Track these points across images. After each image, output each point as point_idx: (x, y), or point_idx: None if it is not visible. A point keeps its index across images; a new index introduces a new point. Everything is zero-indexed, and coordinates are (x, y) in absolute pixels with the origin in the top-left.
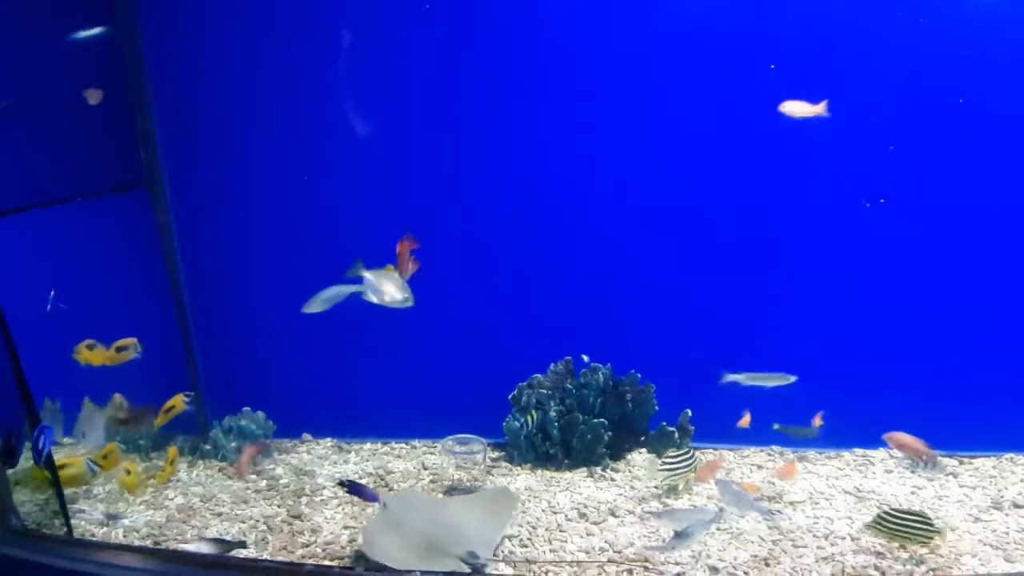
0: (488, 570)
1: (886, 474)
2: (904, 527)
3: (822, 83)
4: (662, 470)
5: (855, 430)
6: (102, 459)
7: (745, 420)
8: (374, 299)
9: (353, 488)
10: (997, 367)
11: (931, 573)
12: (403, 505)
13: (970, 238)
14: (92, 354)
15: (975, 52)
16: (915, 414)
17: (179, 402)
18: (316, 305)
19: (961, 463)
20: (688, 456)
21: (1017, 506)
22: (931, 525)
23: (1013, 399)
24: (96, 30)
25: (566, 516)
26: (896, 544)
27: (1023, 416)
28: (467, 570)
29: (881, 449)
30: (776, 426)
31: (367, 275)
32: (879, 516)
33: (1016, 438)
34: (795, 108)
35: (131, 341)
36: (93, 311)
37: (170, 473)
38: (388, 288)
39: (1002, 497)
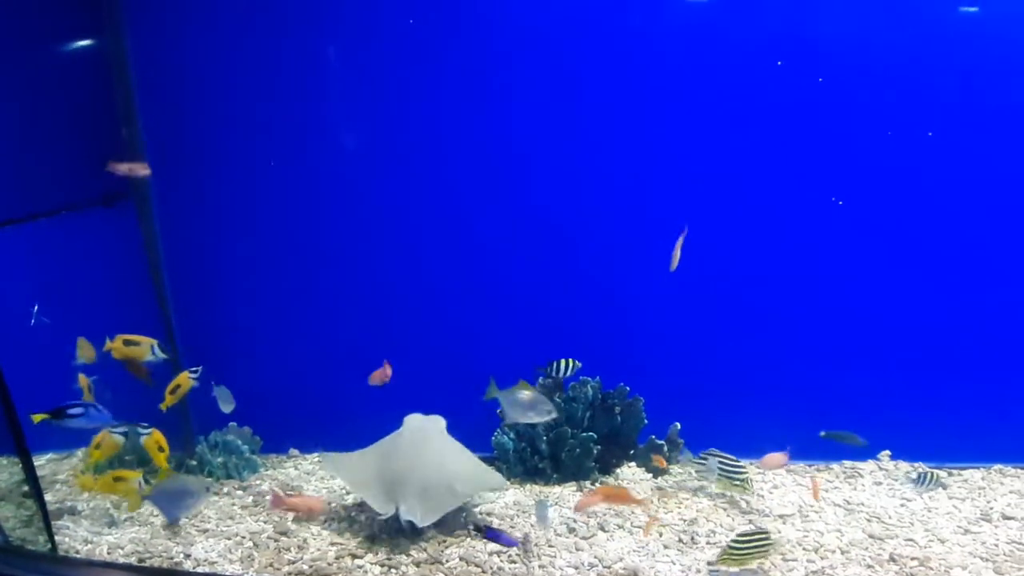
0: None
1: (875, 486)
2: (751, 548)
3: (817, 83)
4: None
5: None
6: (95, 448)
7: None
8: (521, 420)
9: (491, 534)
10: (985, 379)
11: None
12: (413, 430)
13: (961, 247)
14: (119, 347)
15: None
16: (903, 426)
17: (185, 380)
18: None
19: (950, 475)
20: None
21: (1006, 518)
22: (768, 538)
23: (1001, 411)
24: (82, 42)
25: (555, 531)
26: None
27: (1011, 427)
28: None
29: (870, 461)
30: (822, 433)
31: (502, 396)
32: (728, 548)
33: (1004, 449)
34: (674, 255)
35: (149, 340)
36: (78, 323)
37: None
38: (529, 405)
39: (991, 509)
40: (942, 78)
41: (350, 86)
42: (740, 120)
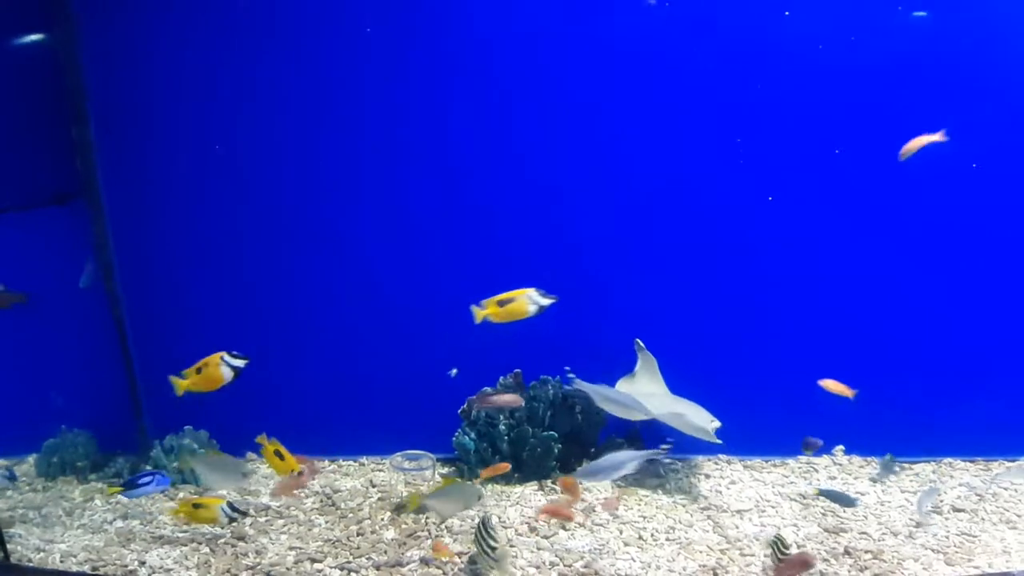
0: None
1: (830, 480)
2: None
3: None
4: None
5: (800, 438)
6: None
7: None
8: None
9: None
10: (936, 374)
11: None
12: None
13: (914, 249)
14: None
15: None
16: (855, 420)
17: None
18: None
19: (902, 468)
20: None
21: (956, 510)
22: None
23: (951, 404)
24: (32, 37)
25: (516, 531)
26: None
27: (961, 422)
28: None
29: (825, 456)
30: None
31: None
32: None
33: (954, 443)
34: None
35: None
36: (29, 323)
37: None
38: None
39: (942, 501)
40: (954, 75)
41: (306, 84)
42: (732, 121)
